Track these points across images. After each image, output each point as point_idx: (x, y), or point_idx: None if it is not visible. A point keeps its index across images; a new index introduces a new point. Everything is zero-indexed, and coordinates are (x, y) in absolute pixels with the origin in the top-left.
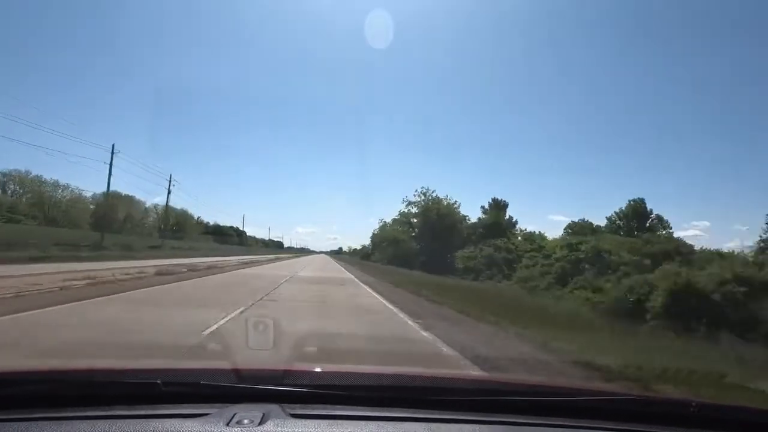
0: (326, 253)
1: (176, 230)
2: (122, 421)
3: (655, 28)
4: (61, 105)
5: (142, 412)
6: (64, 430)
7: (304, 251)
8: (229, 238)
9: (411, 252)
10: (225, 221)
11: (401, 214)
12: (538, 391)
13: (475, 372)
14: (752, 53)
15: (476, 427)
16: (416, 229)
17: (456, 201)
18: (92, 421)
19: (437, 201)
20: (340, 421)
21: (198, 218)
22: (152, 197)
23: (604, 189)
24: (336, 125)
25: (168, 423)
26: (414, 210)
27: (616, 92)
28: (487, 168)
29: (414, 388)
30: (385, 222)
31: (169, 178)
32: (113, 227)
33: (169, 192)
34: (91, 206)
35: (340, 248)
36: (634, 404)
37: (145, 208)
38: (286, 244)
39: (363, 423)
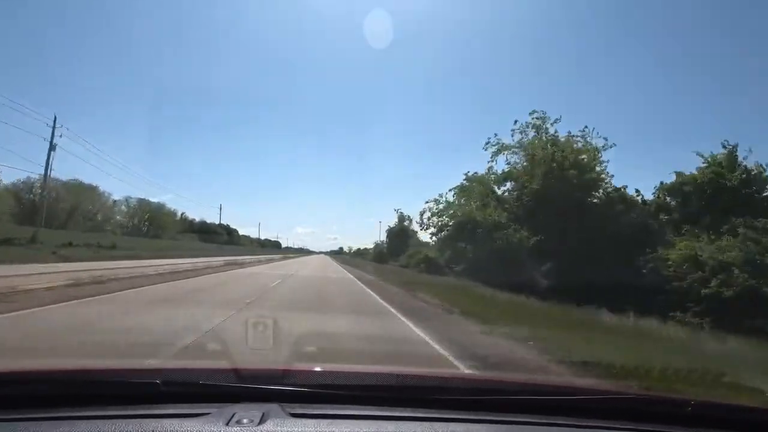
0: (326, 253)
1: (150, 226)
2: (122, 420)
3: None
4: (58, 105)
5: (142, 412)
6: (63, 430)
7: (302, 251)
8: (216, 237)
9: (516, 249)
10: (223, 221)
11: (470, 178)
12: (537, 390)
13: (475, 371)
14: None
15: (477, 426)
16: (515, 205)
17: (606, 144)
18: (92, 421)
19: (565, 145)
20: (339, 421)
21: (182, 214)
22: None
23: None
24: (336, 125)
25: (167, 423)
26: (513, 159)
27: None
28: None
29: (414, 388)
30: (402, 213)
31: (52, 124)
32: (55, 221)
33: (52, 145)
34: (28, 195)
35: (341, 248)
36: (632, 403)
37: (114, 201)
38: (285, 245)
39: (363, 422)
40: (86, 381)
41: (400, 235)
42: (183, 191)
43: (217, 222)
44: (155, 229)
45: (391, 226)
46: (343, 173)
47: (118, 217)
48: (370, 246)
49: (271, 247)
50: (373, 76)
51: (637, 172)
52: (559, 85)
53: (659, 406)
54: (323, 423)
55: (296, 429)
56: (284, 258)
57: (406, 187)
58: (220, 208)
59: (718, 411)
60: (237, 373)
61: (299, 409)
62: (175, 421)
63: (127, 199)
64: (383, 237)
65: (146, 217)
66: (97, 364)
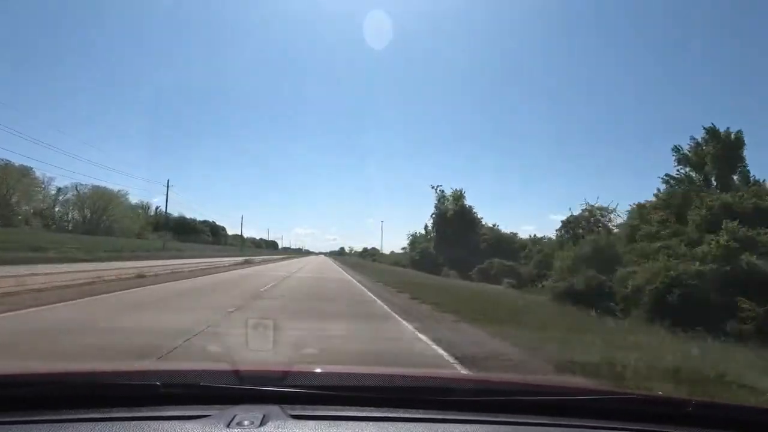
0: (326, 254)
1: (101, 219)
2: (122, 423)
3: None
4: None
5: (142, 414)
6: None
7: (301, 252)
8: (197, 236)
9: None
10: (224, 222)
11: None
12: (538, 391)
13: (475, 372)
14: None
15: (477, 427)
16: None
17: None
18: (92, 423)
19: None
20: (340, 422)
21: (158, 209)
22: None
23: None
24: (335, 126)
25: (168, 425)
26: None
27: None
28: (487, 167)
29: (415, 389)
30: (442, 190)
31: None
32: None
33: None
34: None
35: (342, 248)
36: (633, 403)
37: (59, 189)
38: (285, 245)
39: (364, 424)
40: (86, 383)
41: (458, 222)
42: (180, 192)
43: (185, 213)
44: (111, 224)
45: (441, 204)
46: (343, 174)
47: (57, 208)
48: (376, 245)
49: (266, 247)
50: (373, 76)
51: None
52: (559, 84)
53: (659, 406)
54: (324, 424)
55: (297, 431)
56: (260, 262)
57: (406, 187)
58: (167, 186)
59: (718, 411)
60: (237, 375)
61: (300, 411)
62: (175, 423)
63: (76, 187)
64: (382, 237)
65: (96, 208)
66: (97, 366)
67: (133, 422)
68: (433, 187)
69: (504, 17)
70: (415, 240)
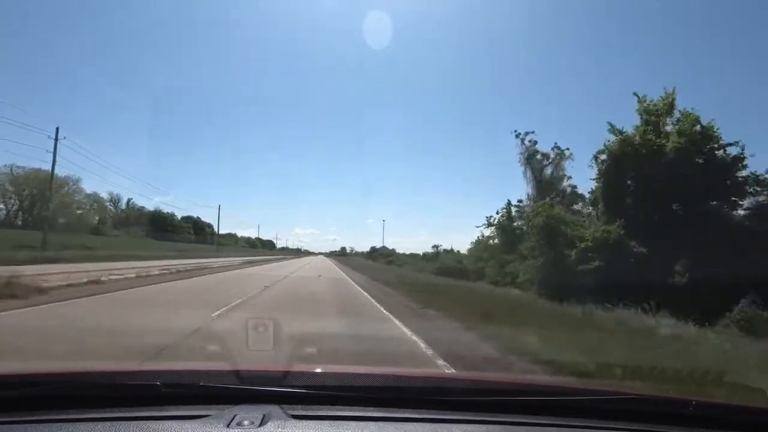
0: (326, 254)
1: (24, 209)
2: (122, 423)
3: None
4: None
5: (142, 414)
6: None
7: (300, 252)
8: (176, 234)
9: None
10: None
11: None
12: (536, 391)
13: (475, 372)
14: None
15: (476, 426)
16: None
17: None
18: (92, 423)
19: None
20: (340, 422)
21: (130, 202)
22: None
23: None
24: (335, 126)
25: (168, 425)
26: None
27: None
28: (487, 167)
29: (414, 389)
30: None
31: None
32: None
33: None
34: None
35: (343, 249)
36: (633, 403)
37: None
38: (285, 245)
39: (364, 423)
40: (86, 383)
41: (691, 171)
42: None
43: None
44: (55, 216)
45: (532, 158)
46: (343, 174)
47: None
48: (377, 245)
49: (262, 247)
50: (372, 76)
51: None
52: (559, 84)
53: (660, 406)
54: (324, 424)
55: (297, 430)
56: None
57: (406, 188)
58: (56, 138)
59: (718, 411)
60: (237, 375)
61: (300, 411)
62: (175, 423)
63: (11, 169)
64: (383, 236)
65: (25, 196)
66: (97, 365)
67: (134, 422)
68: (517, 135)
69: (506, 16)
70: (536, 216)
